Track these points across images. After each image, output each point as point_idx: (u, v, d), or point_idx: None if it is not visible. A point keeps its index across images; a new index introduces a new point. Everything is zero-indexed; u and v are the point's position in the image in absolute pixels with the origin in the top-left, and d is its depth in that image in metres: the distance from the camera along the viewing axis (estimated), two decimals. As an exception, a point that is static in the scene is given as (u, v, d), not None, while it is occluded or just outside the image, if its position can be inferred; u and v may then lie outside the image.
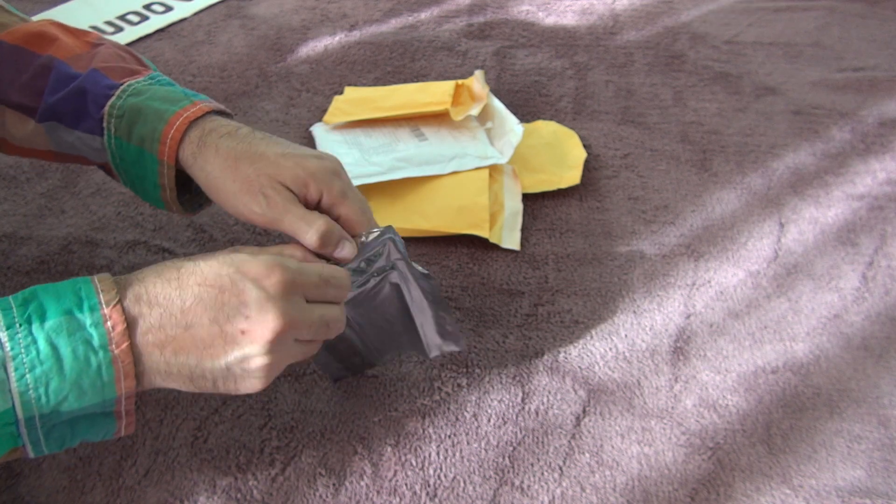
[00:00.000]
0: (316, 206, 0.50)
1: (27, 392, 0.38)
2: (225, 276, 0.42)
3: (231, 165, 0.48)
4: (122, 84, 0.51)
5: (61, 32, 0.54)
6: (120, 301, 0.40)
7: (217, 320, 0.42)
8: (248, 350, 0.42)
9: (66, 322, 0.39)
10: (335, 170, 0.50)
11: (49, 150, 0.55)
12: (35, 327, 0.39)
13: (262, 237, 0.70)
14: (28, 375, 0.38)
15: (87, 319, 0.40)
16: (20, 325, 0.39)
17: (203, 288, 0.42)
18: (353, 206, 0.50)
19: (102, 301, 0.40)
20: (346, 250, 0.49)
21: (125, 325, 0.40)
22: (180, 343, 0.42)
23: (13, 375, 0.38)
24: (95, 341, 0.39)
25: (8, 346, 0.38)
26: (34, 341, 0.39)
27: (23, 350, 0.38)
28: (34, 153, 0.56)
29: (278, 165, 0.48)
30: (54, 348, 0.39)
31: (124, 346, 0.40)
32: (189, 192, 0.54)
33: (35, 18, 1.00)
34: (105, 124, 0.50)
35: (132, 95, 0.50)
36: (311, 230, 0.48)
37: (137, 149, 0.49)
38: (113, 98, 0.50)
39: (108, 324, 0.40)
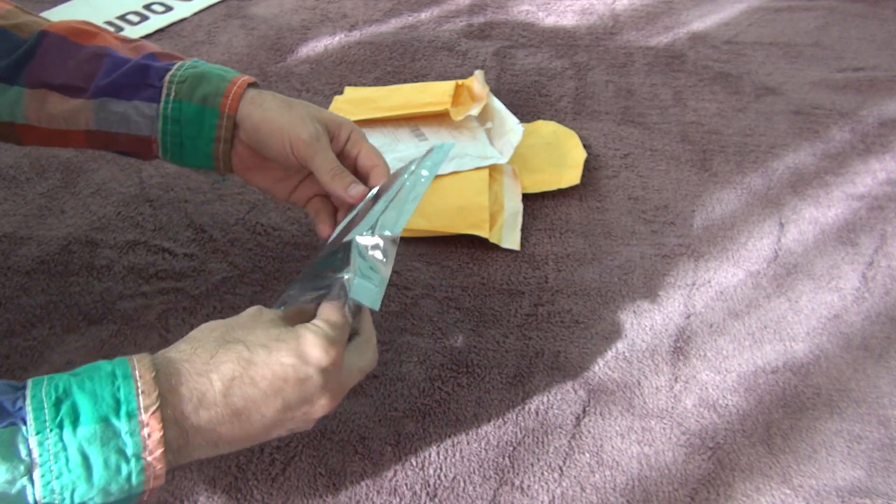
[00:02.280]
0: (342, 148, 0.57)
1: (51, 497, 0.37)
2: (289, 365, 0.42)
3: (286, 104, 0.56)
4: (175, 62, 0.57)
5: (96, 28, 0.59)
6: (161, 406, 0.39)
7: (282, 410, 0.42)
8: (301, 425, 0.45)
9: (100, 430, 0.37)
10: (357, 126, 0.59)
11: (84, 130, 0.57)
12: (67, 433, 0.37)
13: (261, 237, 0.70)
14: (54, 482, 0.37)
15: (123, 426, 0.38)
16: (51, 430, 0.37)
17: (268, 382, 0.42)
18: (370, 147, 0.57)
19: (142, 406, 0.38)
20: (356, 191, 0.54)
21: (162, 431, 0.38)
22: (235, 436, 0.42)
23: (39, 482, 0.37)
24: (129, 450, 0.38)
25: (36, 452, 0.37)
26: (64, 448, 0.37)
27: (51, 457, 0.37)
28: (61, 136, 0.58)
29: (321, 110, 0.57)
30: (85, 458, 0.37)
31: (158, 453, 0.38)
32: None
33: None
34: (165, 90, 0.55)
35: (190, 68, 0.57)
36: (330, 168, 0.54)
37: (198, 107, 0.55)
38: (172, 70, 0.56)
39: (145, 431, 0.38)
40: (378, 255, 0.47)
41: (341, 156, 0.57)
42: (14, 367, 0.59)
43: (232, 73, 0.58)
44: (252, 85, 0.57)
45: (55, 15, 1.02)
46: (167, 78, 0.56)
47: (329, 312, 0.46)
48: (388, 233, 0.47)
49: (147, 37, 0.98)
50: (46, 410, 0.37)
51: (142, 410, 0.38)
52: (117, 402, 0.38)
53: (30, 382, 0.39)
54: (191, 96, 0.56)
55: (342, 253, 0.49)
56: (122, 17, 1.01)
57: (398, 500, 0.52)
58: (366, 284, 0.46)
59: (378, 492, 0.52)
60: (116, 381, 0.39)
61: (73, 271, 0.67)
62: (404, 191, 0.51)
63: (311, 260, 0.58)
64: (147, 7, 1.03)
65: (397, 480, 0.53)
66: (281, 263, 0.68)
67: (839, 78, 0.93)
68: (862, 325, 0.64)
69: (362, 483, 0.53)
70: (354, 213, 0.54)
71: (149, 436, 0.38)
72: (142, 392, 0.39)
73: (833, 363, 0.61)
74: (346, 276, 0.46)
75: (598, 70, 0.94)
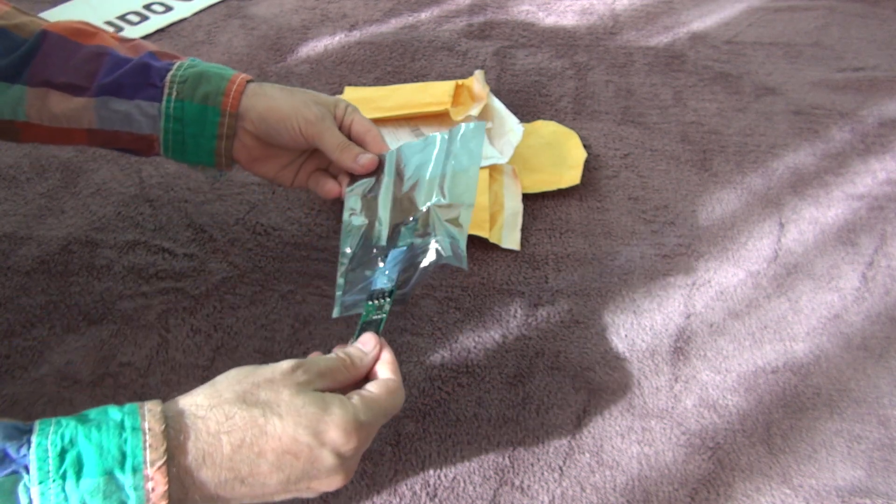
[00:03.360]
0: (340, 123, 0.61)
1: None
2: (303, 443, 0.41)
3: (288, 92, 0.59)
4: (175, 62, 0.59)
5: (97, 29, 0.61)
6: (168, 461, 0.38)
7: (285, 482, 0.41)
8: (307, 493, 0.43)
9: (104, 483, 0.37)
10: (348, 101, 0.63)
11: (86, 129, 0.59)
12: (70, 484, 0.37)
13: (261, 237, 0.71)
14: None
15: (127, 480, 0.37)
16: (53, 481, 0.36)
17: (276, 455, 0.41)
18: (361, 117, 0.62)
19: (148, 460, 0.38)
20: (364, 159, 0.59)
21: (167, 486, 0.38)
22: (234, 496, 0.41)
23: None
24: (132, 502, 0.37)
25: (38, 502, 0.36)
26: (66, 500, 0.37)
27: None
28: (63, 134, 0.59)
29: (318, 94, 0.61)
30: None
31: None
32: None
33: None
34: (167, 89, 0.57)
35: (190, 67, 0.59)
36: (338, 143, 0.59)
37: (200, 106, 0.58)
38: (173, 70, 0.58)
39: (149, 485, 0.38)
40: (463, 218, 0.53)
41: (341, 130, 0.61)
42: (14, 368, 0.59)
43: (230, 71, 0.60)
44: (250, 82, 0.60)
45: (55, 15, 1.02)
46: (168, 77, 0.58)
47: (383, 370, 0.47)
48: (464, 201, 0.54)
49: (147, 37, 0.98)
50: (51, 460, 0.37)
51: (148, 465, 0.38)
52: (123, 455, 0.38)
53: (37, 426, 0.38)
54: (192, 95, 0.57)
55: (405, 228, 0.55)
56: (122, 17, 1.01)
57: (398, 500, 0.52)
58: (455, 245, 0.53)
59: (378, 492, 0.52)
60: (124, 433, 0.38)
61: (73, 271, 0.67)
62: (449, 164, 0.57)
63: (348, 256, 0.58)
64: (147, 7, 1.03)
65: (397, 480, 0.53)
66: (281, 263, 0.68)
67: (839, 78, 0.93)
68: (862, 325, 0.64)
69: (362, 483, 0.53)
70: (365, 186, 0.60)
71: (153, 490, 0.38)
72: (149, 446, 0.38)
73: (833, 363, 0.61)
74: (435, 241, 0.53)
75: (598, 70, 0.94)
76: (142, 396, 0.57)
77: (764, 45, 1.00)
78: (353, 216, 0.60)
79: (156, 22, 1.01)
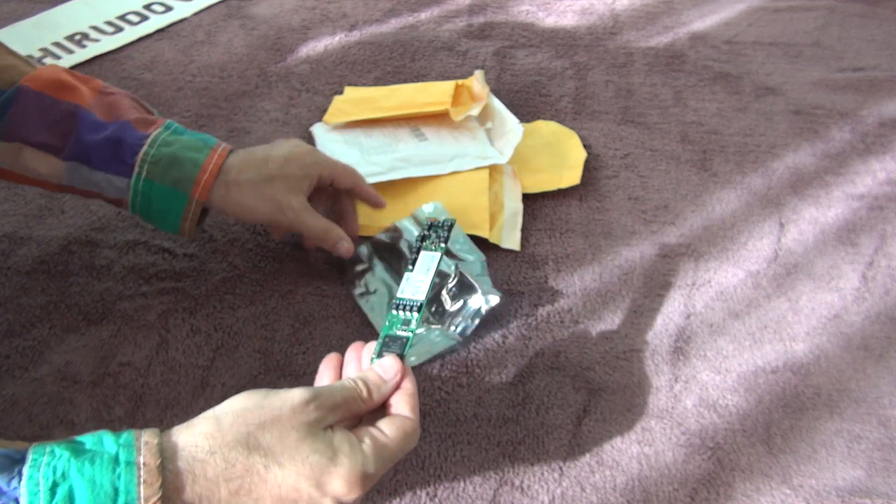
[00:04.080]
0: (328, 188, 0.65)
1: None
2: (304, 492, 0.39)
3: (259, 186, 0.60)
4: (149, 135, 0.59)
5: (74, 80, 0.60)
6: (163, 499, 0.37)
7: None
8: None
9: None
10: (317, 160, 0.64)
11: (57, 184, 0.59)
12: None
13: (260, 237, 0.70)
14: None
15: None
16: None
17: (274, 501, 0.39)
18: (346, 174, 0.65)
19: (142, 497, 0.37)
20: (343, 248, 0.63)
21: None
22: None
23: None
24: None
25: None
26: None
27: None
28: (36, 182, 0.60)
29: (286, 177, 0.61)
30: None
31: None
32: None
33: (36, 18, 1.00)
34: (137, 167, 0.58)
35: (163, 146, 0.58)
36: (317, 228, 0.62)
37: (170, 189, 0.58)
38: (146, 147, 0.58)
39: None
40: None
41: (332, 197, 0.66)
42: (14, 368, 0.59)
43: (206, 151, 0.59)
44: (229, 156, 0.60)
45: (55, 15, 1.02)
46: (140, 156, 0.58)
47: (401, 405, 0.45)
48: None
49: (147, 37, 0.98)
50: (42, 494, 0.36)
51: (142, 501, 0.37)
52: (116, 492, 0.37)
53: (29, 455, 0.37)
54: (162, 178, 0.58)
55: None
56: (121, 17, 1.01)
57: (398, 500, 0.52)
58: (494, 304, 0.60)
59: (378, 492, 0.52)
60: (118, 468, 0.37)
61: (73, 271, 0.67)
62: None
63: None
64: (147, 7, 1.03)
65: (397, 480, 0.53)
66: (281, 263, 0.68)
67: (839, 78, 0.93)
68: (862, 325, 0.64)
69: (362, 483, 0.53)
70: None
71: None
72: (144, 482, 0.37)
73: (833, 363, 0.61)
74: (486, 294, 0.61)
75: (598, 70, 0.94)
76: (142, 396, 0.57)
77: (764, 45, 1.00)
78: (366, 295, 0.65)
79: (156, 22, 1.01)
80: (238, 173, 0.60)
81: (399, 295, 0.53)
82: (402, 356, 0.48)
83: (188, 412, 0.56)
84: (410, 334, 0.50)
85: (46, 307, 0.64)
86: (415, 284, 0.53)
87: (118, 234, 0.70)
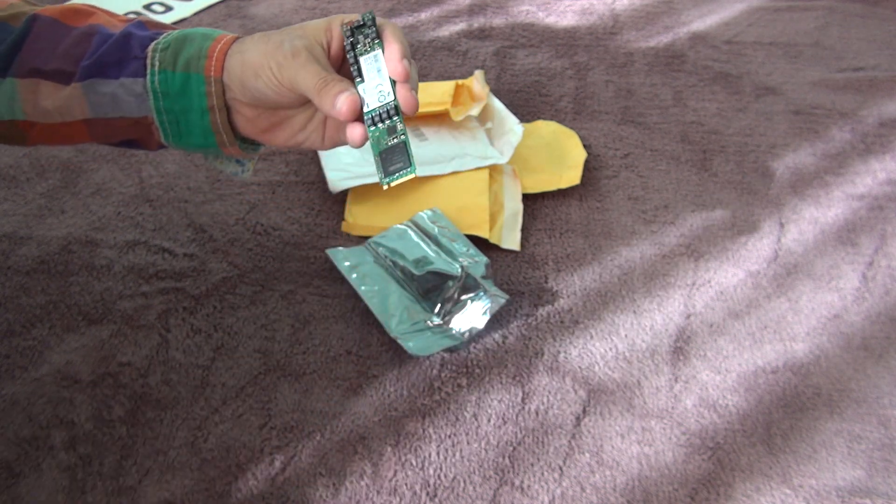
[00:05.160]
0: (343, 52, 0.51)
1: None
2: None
3: (264, 37, 0.49)
4: (165, 31, 0.52)
5: (96, 9, 0.54)
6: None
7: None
8: None
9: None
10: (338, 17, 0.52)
11: (82, 120, 0.52)
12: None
13: (261, 237, 0.70)
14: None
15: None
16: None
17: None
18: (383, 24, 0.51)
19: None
20: (341, 102, 0.47)
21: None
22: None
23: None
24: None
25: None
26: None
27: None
28: (64, 130, 0.53)
29: (309, 23, 0.50)
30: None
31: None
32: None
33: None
34: (149, 61, 0.50)
35: (177, 33, 0.51)
36: (316, 82, 0.47)
37: (183, 75, 0.49)
38: (159, 38, 0.50)
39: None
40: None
41: (345, 63, 0.50)
42: (14, 367, 0.59)
43: (216, 32, 0.51)
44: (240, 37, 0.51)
45: (55, 15, 1.02)
46: (151, 46, 0.50)
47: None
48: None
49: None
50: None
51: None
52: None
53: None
54: (174, 64, 0.49)
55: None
56: (122, 17, 1.01)
57: (398, 500, 0.52)
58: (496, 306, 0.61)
59: (378, 492, 0.52)
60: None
61: (73, 271, 0.67)
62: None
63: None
64: (147, 7, 1.03)
65: (397, 480, 0.53)
66: (281, 263, 0.68)
67: (839, 78, 0.93)
68: (862, 325, 0.64)
69: (362, 483, 0.53)
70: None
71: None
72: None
73: (833, 363, 0.61)
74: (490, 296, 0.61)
75: (598, 70, 0.94)
76: (142, 396, 0.57)
77: (764, 45, 1.00)
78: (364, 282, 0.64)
79: (156, 22, 1.01)
80: (244, 41, 0.50)
81: (367, 109, 0.47)
82: (411, 161, 0.45)
83: (188, 412, 0.56)
84: (404, 137, 0.46)
85: (46, 307, 0.64)
86: (376, 91, 0.47)
87: (118, 234, 0.70)
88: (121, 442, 0.54)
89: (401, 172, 0.46)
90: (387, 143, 0.46)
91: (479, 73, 0.84)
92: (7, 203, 0.74)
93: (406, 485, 0.53)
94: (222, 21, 1.02)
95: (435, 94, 0.84)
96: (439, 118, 0.82)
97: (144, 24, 0.52)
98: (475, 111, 0.80)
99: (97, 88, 0.51)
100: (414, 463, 0.54)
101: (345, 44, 0.49)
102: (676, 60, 0.96)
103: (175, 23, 1.01)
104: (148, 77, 0.50)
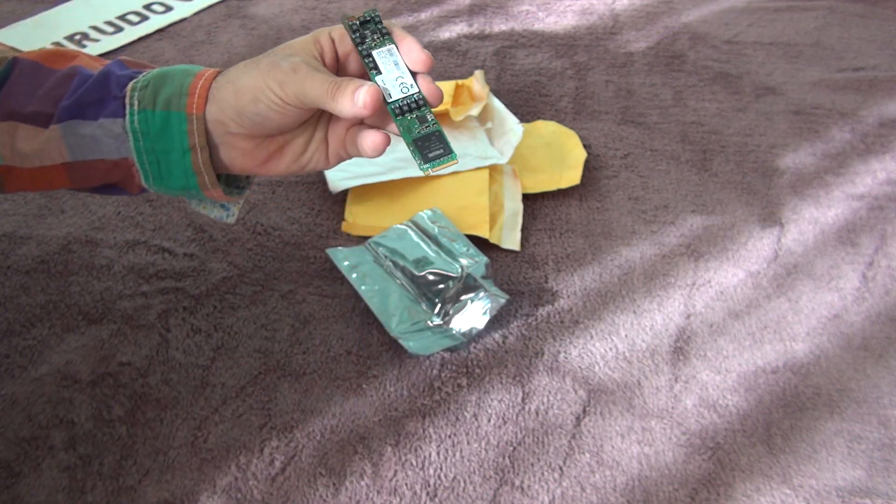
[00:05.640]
0: (334, 58, 0.49)
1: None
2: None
3: (253, 63, 0.47)
4: (146, 70, 0.50)
5: (77, 53, 0.53)
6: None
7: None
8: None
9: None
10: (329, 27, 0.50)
11: (61, 164, 0.50)
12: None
13: (261, 236, 0.70)
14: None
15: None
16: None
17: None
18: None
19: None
20: (363, 95, 0.44)
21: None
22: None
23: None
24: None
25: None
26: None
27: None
28: (42, 175, 0.51)
29: (297, 41, 0.48)
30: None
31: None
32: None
33: (36, 18, 1.00)
34: (128, 100, 0.48)
35: (156, 71, 0.49)
36: (326, 87, 0.45)
37: (163, 114, 0.47)
38: (138, 77, 0.49)
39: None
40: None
41: (342, 67, 0.49)
42: (13, 367, 0.59)
43: (197, 68, 0.49)
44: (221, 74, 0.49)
45: (55, 15, 1.02)
46: (130, 85, 0.48)
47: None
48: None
49: (147, 37, 0.98)
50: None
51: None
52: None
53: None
54: (154, 103, 0.47)
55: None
56: (122, 17, 1.01)
57: (398, 500, 0.52)
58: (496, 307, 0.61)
59: (378, 492, 0.52)
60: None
61: (72, 271, 0.67)
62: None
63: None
64: (147, 7, 1.03)
65: (397, 480, 0.53)
66: (281, 263, 0.68)
67: (839, 78, 0.93)
68: (862, 325, 0.64)
69: (362, 483, 0.53)
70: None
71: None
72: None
73: (833, 363, 0.61)
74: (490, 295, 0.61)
75: (598, 70, 0.94)
76: (142, 396, 0.57)
77: (764, 45, 1.00)
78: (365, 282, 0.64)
79: (156, 22, 1.01)
80: (229, 73, 0.48)
81: (391, 99, 0.46)
82: (450, 148, 0.45)
83: (188, 412, 0.56)
84: (437, 126, 0.46)
85: (46, 307, 0.64)
86: (397, 83, 0.47)
87: (118, 234, 0.70)
88: (121, 442, 0.54)
89: (442, 159, 0.46)
90: (419, 132, 0.46)
91: (479, 73, 0.84)
92: (7, 203, 0.74)
93: (406, 485, 0.53)
94: (222, 21, 1.02)
95: (435, 94, 0.84)
96: (439, 118, 0.82)
97: (124, 63, 0.50)
98: (475, 111, 0.80)
99: (76, 130, 0.49)
100: (414, 463, 0.54)
101: (352, 37, 0.48)
102: (676, 60, 0.96)
103: (175, 23, 1.01)
104: (127, 117, 0.48)
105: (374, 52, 0.47)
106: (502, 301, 0.61)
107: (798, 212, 0.75)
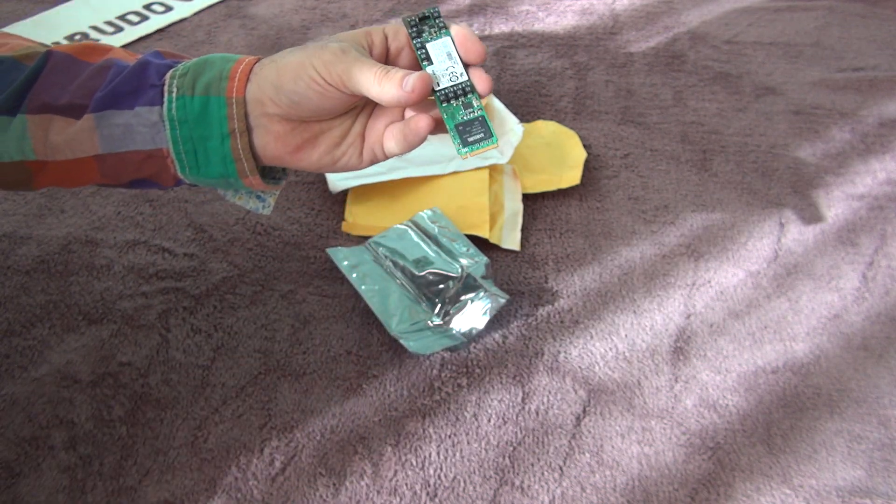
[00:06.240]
0: (386, 51, 0.48)
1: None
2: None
3: (301, 47, 0.47)
4: (184, 60, 0.50)
5: (111, 47, 0.53)
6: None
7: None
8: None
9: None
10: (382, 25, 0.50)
11: (93, 156, 0.49)
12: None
13: (261, 236, 0.70)
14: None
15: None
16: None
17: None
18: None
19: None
20: (412, 81, 0.44)
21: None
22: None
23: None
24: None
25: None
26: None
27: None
28: (73, 168, 0.50)
29: (340, 35, 0.48)
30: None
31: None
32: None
33: (36, 18, 1.00)
34: (167, 87, 0.47)
35: (196, 59, 0.49)
36: (375, 72, 0.44)
37: (202, 99, 0.47)
38: (177, 66, 0.48)
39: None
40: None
41: (391, 63, 0.48)
42: (13, 367, 0.59)
43: (240, 56, 0.49)
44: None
45: (55, 15, 1.02)
46: (169, 73, 0.48)
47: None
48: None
49: (147, 37, 0.98)
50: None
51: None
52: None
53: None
54: (193, 89, 0.47)
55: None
56: (122, 17, 1.01)
57: (398, 500, 0.52)
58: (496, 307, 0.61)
59: (378, 492, 0.52)
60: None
61: (73, 271, 0.67)
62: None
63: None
64: (147, 7, 1.03)
65: (397, 480, 0.53)
66: (281, 263, 0.68)
67: (839, 78, 0.93)
68: (862, 325, 0.64)
69: (362, 483, 0.53)
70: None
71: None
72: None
73: (833, 363, 0.61)
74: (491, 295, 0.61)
75: (598, 70, 0.94)
76: (142, 396, 0.57)
77: (764, 45, 1.00)
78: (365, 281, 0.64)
79: (156, 22, 1.01)
80: (275, 55, 0.48)
81: (439, 87, 0.46)
82: (492, 133, 0.46)
83: (188, 412, 0.56)
84: (481, 112, 0.46)
85: (46, 307, 0.64)
86: (447, 73, 0.47)
87: (118, 234, 0.70)
88: (121, 442, 0.54)
89: (481, 143, 0.46)
90: (462, 118, 0.46)
91: (479, 73, 0.84)
92: (7, 203, 0.74)
93: (406, 485, 0.53)
94: (222, 21, 1.02)
95: (435, 94, 0.84)
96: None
97: (161, 54, 0.50)
98: (475, 111, 0.80)
99: (110, 120, 0.48)
100: (414, 463, 0.54)
101: (409, 32, 0.48)
102: (676, 60, 0.96)
103: (175, 23, 1.01)
104: (165, 104, 0.47)
105: (429, 45, 0.47)
106: (502, 301, 0.61)
107: (798, 212, 0.75)
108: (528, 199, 0.75)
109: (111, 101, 0.48)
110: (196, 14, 1.03)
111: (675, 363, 0.61)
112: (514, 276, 0.68)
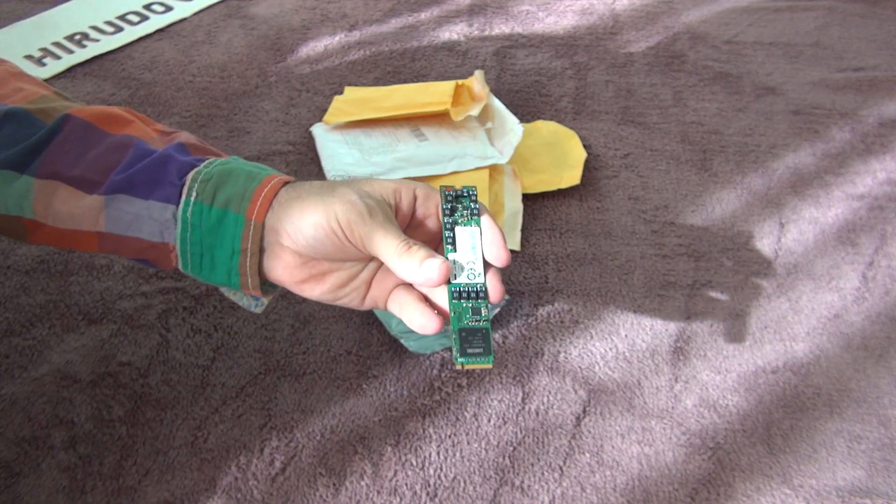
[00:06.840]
0: (412, 214, 0.48)
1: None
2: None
3: (328, 186, 0.46)
4: (208, 158, 0.49)
5: (133, 116, 0.52)
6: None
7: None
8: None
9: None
10: (414, 182, 0.49)
11: (95, 232, 0.49)
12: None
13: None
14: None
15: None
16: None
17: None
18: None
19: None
20: (431, 267, 0.43)
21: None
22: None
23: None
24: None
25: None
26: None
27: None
28: (71, 237, 0.49)
29: (375, 180, 0.47)
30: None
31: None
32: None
33: (35, 18, 1.00)
34: (186, 189, 0.47)
35: (220, 165, 0.48)
36: (397, 245, 0.44)
37: (220, 212, 0.46)
38: (200, 166, 0.47)
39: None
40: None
41: (414, 227, 0.48)
42: (13, 367, 0.59)
43: (268, 171, 0.48)
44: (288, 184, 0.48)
45: (55, 15, 1.01)
46: (191, 174, 0.47)
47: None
48: None
49: (147, 37, 0.98)
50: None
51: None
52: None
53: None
54: (213, 199, 0.46)
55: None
56: (122, 17, 1.01)
57: (398, 500, 0.52)
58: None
59: (378, 492, 0.52)
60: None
61: (72, 271, 0.67)
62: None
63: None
64: (147, 7, 1.03)
65: (397, 480, 0.53)
66: (281, 263, 0.68)
67: (839, 78, 0.93)
68: (862, 325, 0.64)
69: (362, 483, 0.53)
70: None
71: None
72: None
73: (833, 363, 0.61)
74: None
75: (598, 70, 0.94)
76: (142, 396, 0.57)
77: (764, 45, 1.00)
78: None
79: (156, 22, 1.01)
80: (299, 187, 0.47)
81: (454, 280, 0.46)
82: (490, 350, 0.45)
83: (188, 412, 0.56)
84: (487, 324, 0.45)
85: (46, 307, 0.64)
86: (467, 267, 0.46)
87: (118, 234, 0.70)
88: (121, 442, 0.54)
89: (478, 359, 0.45)
90: (468, 323, 0.45)
91: (479, 73, 0.84)
92: (7, 203, 0.74)
93: (406, 485, 0.53)
94: (222, 21, 1.02)
95: (435, 94, 0.84)
96: (439, 118, 0.82)
97: (186, 147, 0.49)
98: (475, 111, 0.80)
99: (120, 205, 0.47)
100: (414, 463, 0.54)
101: (443, 207, 0.47)
102: (676, 60, 0.96)
103: (175, 23, 1.01)
104: (181, 206, 0.46)
105: (458, 229, 0.47)
106: (502, 303, 0.61)
107: (798, 212, 0.75)
108: (528, 199, 0.75)
109: (126, 187, 0.47)
110: (196, 14, 1.03)
111: (675, 363, 0.61)
112: (514, 276, 0.68)
